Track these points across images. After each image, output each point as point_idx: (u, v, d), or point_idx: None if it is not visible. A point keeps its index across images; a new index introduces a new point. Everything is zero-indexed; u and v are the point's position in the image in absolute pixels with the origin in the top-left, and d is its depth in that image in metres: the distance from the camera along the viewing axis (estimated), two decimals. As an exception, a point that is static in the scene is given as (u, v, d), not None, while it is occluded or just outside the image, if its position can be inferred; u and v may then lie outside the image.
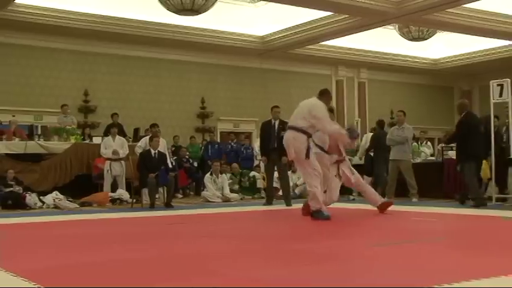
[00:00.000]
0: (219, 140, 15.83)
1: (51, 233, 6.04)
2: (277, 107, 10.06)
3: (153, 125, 11.36)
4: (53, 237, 5.57)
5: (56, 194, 10.02)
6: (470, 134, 8.84)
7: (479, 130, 9.00)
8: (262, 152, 10.22)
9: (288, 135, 6.96)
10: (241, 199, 11.69)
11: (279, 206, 9.38)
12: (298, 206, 8.19)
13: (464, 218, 7.23)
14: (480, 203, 8.58)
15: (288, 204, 9.54)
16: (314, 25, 15.14)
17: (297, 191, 11.84)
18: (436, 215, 7.50)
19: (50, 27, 13.90)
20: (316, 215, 6.74)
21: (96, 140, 12.12)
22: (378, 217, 7.49)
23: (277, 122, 9.77)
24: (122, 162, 11.11)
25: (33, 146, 11.20)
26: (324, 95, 7.25)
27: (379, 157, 11.01)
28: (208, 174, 11.69)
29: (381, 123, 11.64)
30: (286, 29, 15.79)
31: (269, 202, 9.85)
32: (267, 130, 9.92)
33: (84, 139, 12.37)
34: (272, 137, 9.70)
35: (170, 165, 10.73)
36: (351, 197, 11.00)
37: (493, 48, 17.79)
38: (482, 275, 3.15)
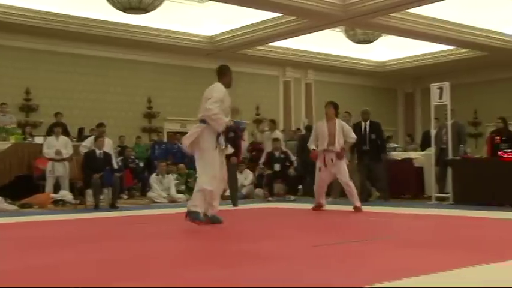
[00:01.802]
0: (165, 140, 15.68)
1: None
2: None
3: (100, 125, 11.15)
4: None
5: (-7, 196, 9.68)
6: None
7: None
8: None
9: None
10: (187, 200, 11.58)
11: (226, 207, 9.37)
12: (244, 206, 8.22)
13: (414, 217, 7.41)
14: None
15: (235, 204, 9.54)
16: (262, 26, 15.21)
17: (243, 191, 11.87)
18: (380, 215, 7.66)
19: (-13, 22, 13.43)
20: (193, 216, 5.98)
21: (38, 139, 11.81)
22: (324, 216, 7.60)
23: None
24: (65, 162, 10.85)
25: (-31, 146, 10.81)
26: (225, 75, 6.45)
27: (305, 159, 11.40)
28: (154, 175, 11.57)
29: (307, 128, 12.23)
30: (235, 30, 15.80)
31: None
32: None
33: (25, 139, 12.01)
34: None
35: (115, 166, 10.56)
36: (292, 198, 11.22)
37: (435, 53, 18.33)
38: (422, 272, 3.23)
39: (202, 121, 6.08)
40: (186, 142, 6.16)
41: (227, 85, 6.31)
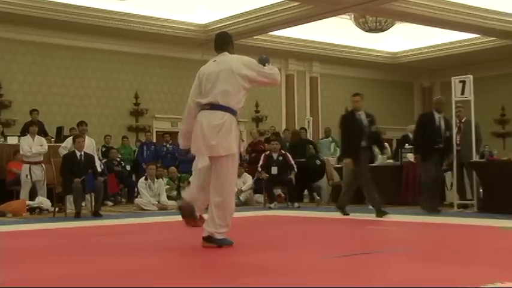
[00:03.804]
0: (155, 141, 15.68)
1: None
2: (358, 94, 8.88)
3: (81, 123, 11.14)
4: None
5: (-38, 203, 9.69)
6: None
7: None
8: (348, 152, 8.87)
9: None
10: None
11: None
12: (243, 214, 8.24)
13: (420, 226, 7.42)
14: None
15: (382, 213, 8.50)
16: (262, 13, 15.22)
17: (241, 197, 11.89)
18: (393, 223, 7.67)
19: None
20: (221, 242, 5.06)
21: (12, 140, 11.81)
22: (331, 225, 7.61)
23: (362, 114, 8.72)
24: (43, 165, 10.86)
25: None
26: (233, 45, 5.80)
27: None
28: (142, 179, 11.57)
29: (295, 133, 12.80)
30: (231, 17, 15.79)
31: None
32: (351, 124, 8.65)
33: (-4, 139, 12.03)
34: (360, 132, 8.58)
35: (99, 169, 10.56)
36: (296, 205, 11.23)
37: (456, 42, 18.34)
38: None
39: (218, 107, 5.24)
40: (230, 150, 5.09)
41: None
